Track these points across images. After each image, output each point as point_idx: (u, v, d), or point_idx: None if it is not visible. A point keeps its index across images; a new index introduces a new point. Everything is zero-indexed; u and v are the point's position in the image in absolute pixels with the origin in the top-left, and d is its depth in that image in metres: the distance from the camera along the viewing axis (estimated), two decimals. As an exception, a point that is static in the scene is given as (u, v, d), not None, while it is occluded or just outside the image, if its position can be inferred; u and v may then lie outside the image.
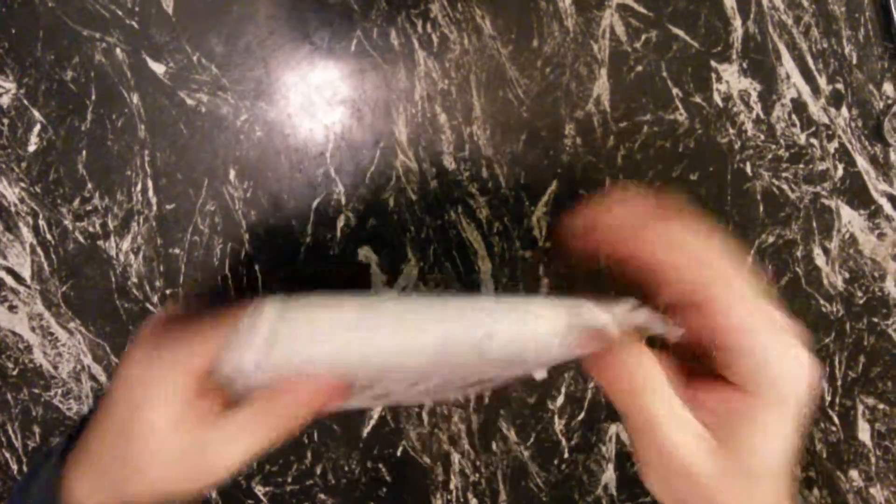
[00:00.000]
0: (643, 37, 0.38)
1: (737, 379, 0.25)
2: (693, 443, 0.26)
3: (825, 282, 0.43)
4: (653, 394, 0.26)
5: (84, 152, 0.39)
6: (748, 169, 0.41)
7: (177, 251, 0.41)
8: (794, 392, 0.25)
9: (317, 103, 0.40)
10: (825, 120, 0.40)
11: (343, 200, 0.41)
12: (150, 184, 0.40)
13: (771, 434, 0.26)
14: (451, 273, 0.41)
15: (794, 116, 0.40)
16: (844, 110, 0.40)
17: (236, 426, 0.32)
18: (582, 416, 0.45)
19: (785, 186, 0.41)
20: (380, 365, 0.28)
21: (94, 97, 0.39)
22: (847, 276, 0.43)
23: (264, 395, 0.31)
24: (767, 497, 0.27)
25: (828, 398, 0.45)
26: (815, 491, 0.46)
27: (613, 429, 0.45)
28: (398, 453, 0.45)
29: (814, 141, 0.40)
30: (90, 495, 0.34)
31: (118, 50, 0.38)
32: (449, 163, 0.40)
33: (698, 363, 0.27)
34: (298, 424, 0.32)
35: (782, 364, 0.25)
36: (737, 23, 0.38)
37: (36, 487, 0.35)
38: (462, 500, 0.46)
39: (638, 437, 0.27)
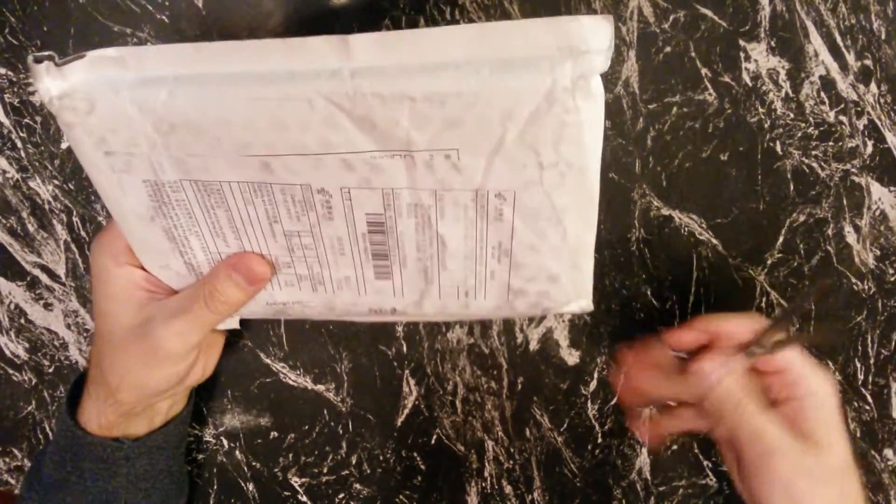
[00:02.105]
0: (671, 17, 0.38)
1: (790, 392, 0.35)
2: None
3: (856, 259, 0.43)
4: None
5: (117, 148, 0.40)
6: (778, 148, 0.41)
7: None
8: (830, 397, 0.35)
9: (346, 93, 0.40)
10: (854, 97, 0.40)
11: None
12: (181, 178, 0.40)
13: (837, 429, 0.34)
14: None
15: (822, 94, 0.40)
16: (873, 86, 0.40)
17: (175, 303, 0.34)
18: (615, 400, 0.45)
19: (815, 164, 0.41)
20: None
21: (126, 93, 0.39)
22: (878, 253, 0.43)
23: (199, 281, 0.34)
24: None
25: (860, 377, 0.45)
26: (851, 469, 0.45)
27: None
28: (432, 441, 0.45)
29: (843, 118, 0.40)
30: (97, 416, 0.37)
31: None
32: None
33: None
34: (232, 307, 0.34)
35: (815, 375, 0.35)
36: (764, 1, 0.38)
37: (57, 430, 0.39)
38: (496, 487, 0.46)
39: (744, 448, 0.34)
